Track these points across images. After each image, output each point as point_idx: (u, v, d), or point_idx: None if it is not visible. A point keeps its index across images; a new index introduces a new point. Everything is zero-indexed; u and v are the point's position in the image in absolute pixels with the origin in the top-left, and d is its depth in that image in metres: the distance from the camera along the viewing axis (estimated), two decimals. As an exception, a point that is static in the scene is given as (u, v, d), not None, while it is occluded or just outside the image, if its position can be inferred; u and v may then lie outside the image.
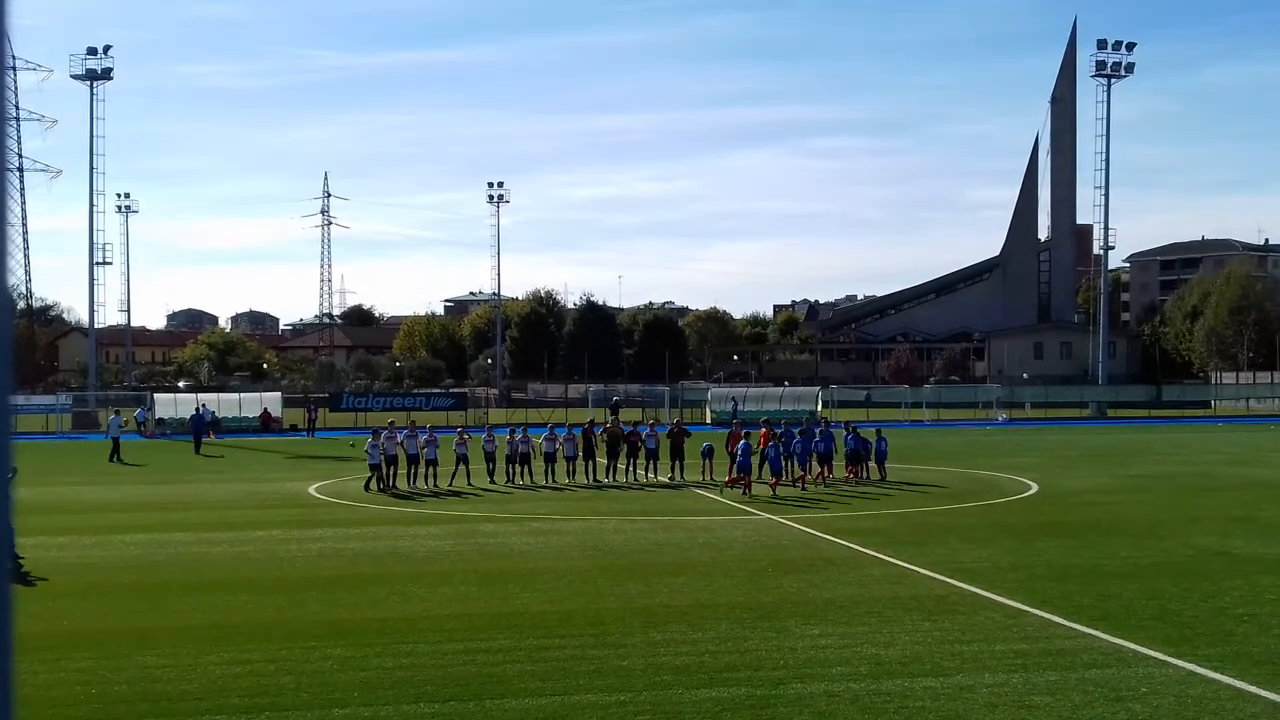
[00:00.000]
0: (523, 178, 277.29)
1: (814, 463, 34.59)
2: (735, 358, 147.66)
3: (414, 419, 37.66)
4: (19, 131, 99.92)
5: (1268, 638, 14.70)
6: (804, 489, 33.20)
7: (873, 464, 35.87)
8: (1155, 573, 19.39)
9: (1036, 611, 16.19)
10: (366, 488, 33.60)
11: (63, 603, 17.38)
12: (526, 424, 40.46)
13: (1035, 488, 33.75)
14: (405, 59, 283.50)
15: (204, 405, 60.77)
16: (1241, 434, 62.63)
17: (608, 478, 35.97)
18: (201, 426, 53.93)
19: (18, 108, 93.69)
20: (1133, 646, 14.17)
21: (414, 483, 33.89)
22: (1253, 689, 12.29)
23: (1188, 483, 35.21)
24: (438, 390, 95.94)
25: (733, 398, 77.95)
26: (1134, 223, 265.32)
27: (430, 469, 34.48)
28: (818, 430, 35.83)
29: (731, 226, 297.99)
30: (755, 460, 33.02)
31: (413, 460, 34.05)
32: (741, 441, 33.10)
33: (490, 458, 35.21)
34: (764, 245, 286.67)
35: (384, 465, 33.72)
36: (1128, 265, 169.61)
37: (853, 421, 39.73)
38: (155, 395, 74.84)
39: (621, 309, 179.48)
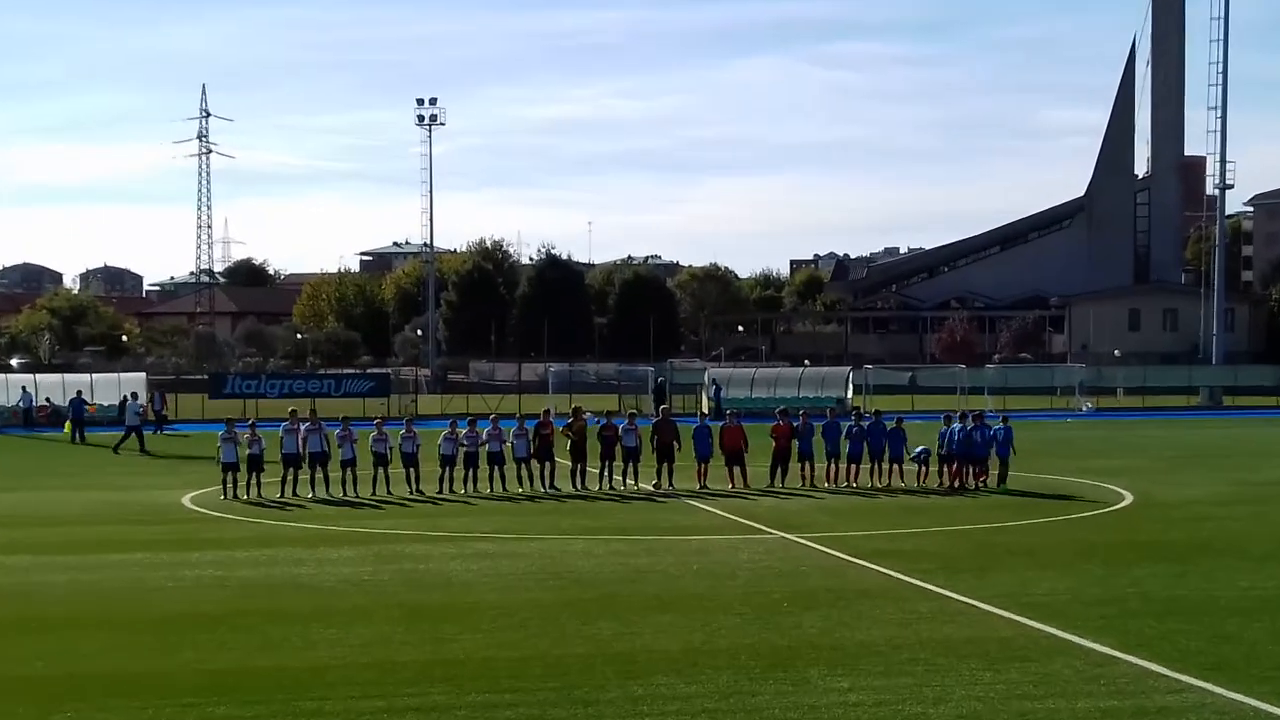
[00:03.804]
0: (461, 93, 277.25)
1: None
2: (740, 329, 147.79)
3: (295, 409, 37.76)
4: None
5: None
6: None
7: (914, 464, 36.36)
8: (1284, 608, 19.53)
9: (1130, 658, 16.28)
10: (225, 493, 34.47)
11: None
12: (475, 416, 40.35)
13: (1129, 498, 33.92)
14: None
15: (80, 392, 61.50)
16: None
17: (575, 484, 36.02)
18: (82, 413, 56.58)
19: None
20: (1255, 703, 14.26)
21: (294, 490, 34.56)
22: None
23: (1326, 492, 35.44)
24: (352, 370, 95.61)
25: (714, 380, 75.90)
26: (1259, 154, 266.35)
27: (348, 472, 34.93)
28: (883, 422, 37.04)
29: (734, 158, 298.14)
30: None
31: (290, 461, 34.76)
32: (977, 428, 35.74)
33: (411, 460, 35.28)
34: (776, 182, 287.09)
35: (284, 463, 34.67)
36: (1251, 210, 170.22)
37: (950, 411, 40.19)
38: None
39: (592, 265, 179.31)
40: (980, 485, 35.65)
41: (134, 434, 52.11)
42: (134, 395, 56.90)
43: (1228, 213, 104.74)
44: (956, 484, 35.62)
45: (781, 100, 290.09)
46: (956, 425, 36.06)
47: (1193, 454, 48.76)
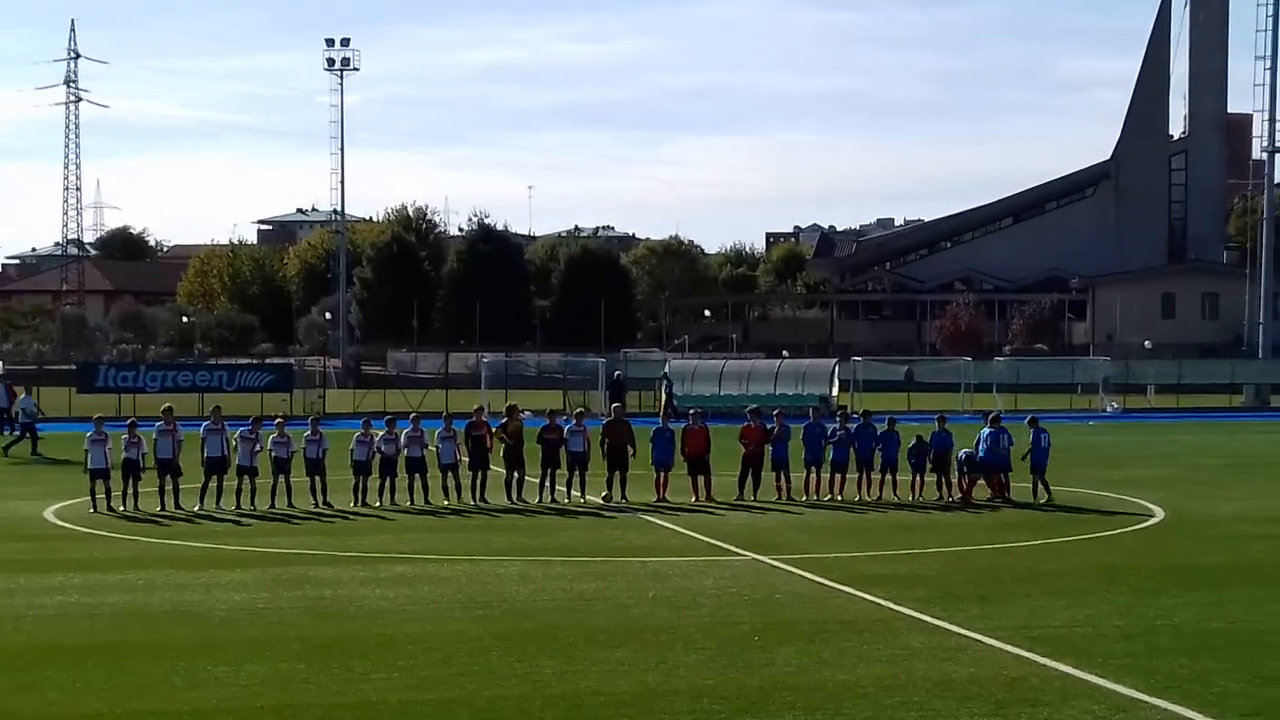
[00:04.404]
0: (379, 33, 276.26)
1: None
2: (707, 314, 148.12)
3: (171, 406, 37.60)
4: None
5: None
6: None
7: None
8: (1338, 643, 19.67)
9: (1158, 702, 16.38)
10: (94, 505, 34.38)
11: None
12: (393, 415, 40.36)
13: (1160, 514, 34.15)
14: None
15: None
16: None
17: (510, 496, 36.03)
18: None
19: None
20: (1302, 754, 14.38)
21: (176, 502, 34.67)
22: None
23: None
24: (248, 361, 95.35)
25: (665, 373, 77.36)
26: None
27: (243, 480, 34.97)
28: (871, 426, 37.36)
29: (702, 113, 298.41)
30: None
31: (166, 468, 34.84)
32: (1001, 431, 36.49)
33: (317, 467, 35.24)
34: (751, 142, 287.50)
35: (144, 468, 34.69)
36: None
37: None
38: None
39: (533, 238, 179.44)
40: (1004, 498, 36.06)
41: (30, 433, 53.32)
42: (26, 389, 58.96)
43: (1278, 180, 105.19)
44: (969, 497, 36.01)
45: (761, 44, 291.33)
46: (986, 430, 36.42)
47: (1235, 463, 49.07)
